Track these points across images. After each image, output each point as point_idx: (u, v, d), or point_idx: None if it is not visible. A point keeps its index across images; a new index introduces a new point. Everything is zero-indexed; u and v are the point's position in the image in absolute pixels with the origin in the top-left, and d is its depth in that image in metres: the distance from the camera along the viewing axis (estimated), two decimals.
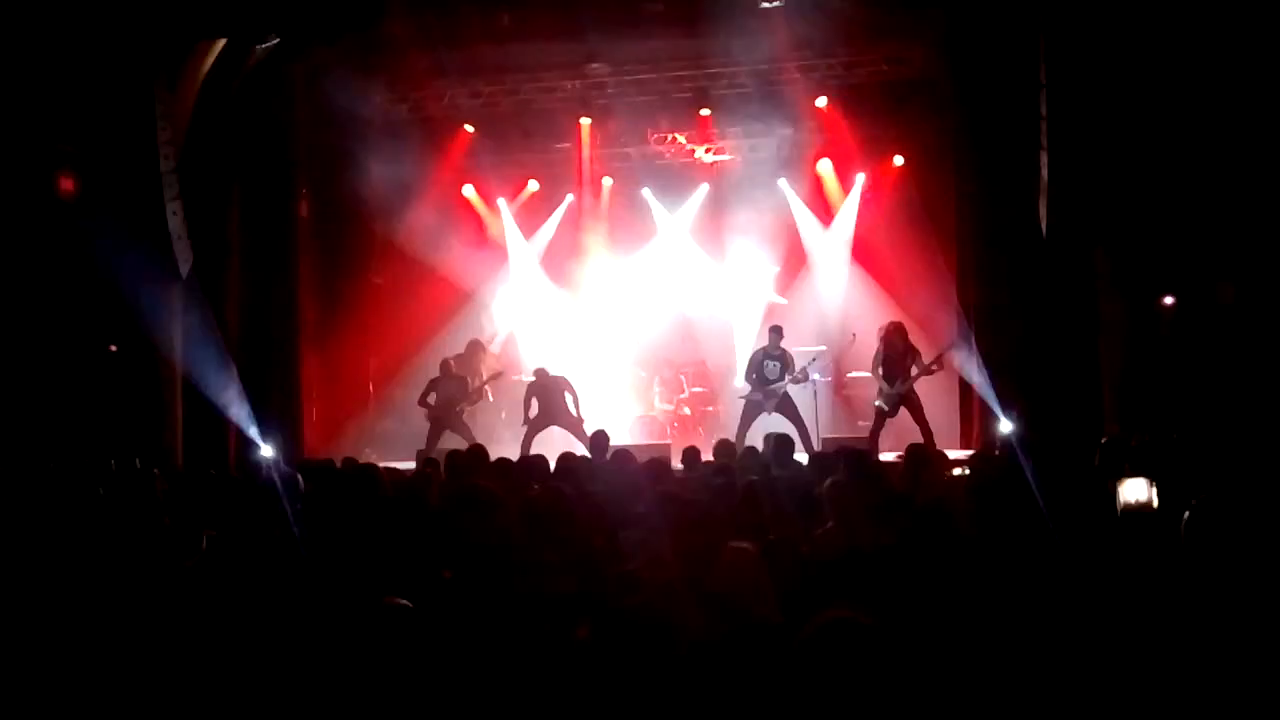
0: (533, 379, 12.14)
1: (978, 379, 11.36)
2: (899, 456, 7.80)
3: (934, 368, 11.00)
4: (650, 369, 14.20)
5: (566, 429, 11.72)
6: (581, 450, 9.30)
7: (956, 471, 7.22)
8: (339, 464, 7.77)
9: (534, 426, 11.73)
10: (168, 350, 11.08)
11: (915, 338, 11.27)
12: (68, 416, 9.95)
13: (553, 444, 10.70)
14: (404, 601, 3.22)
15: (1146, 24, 9.52)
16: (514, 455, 8.32)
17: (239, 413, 11.63)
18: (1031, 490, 4.92)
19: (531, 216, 15.42)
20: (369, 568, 4.38)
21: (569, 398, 11.91)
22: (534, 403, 11.86)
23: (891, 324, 11.21)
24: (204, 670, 3.56)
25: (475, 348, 13.20)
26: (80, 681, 3.50)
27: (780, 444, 7.48)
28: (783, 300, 14.92)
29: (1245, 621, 2.98)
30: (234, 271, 11.88)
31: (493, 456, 7.40)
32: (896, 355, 10.96)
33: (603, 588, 3.90)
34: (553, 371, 12.11)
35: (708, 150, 14.98)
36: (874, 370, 11.19)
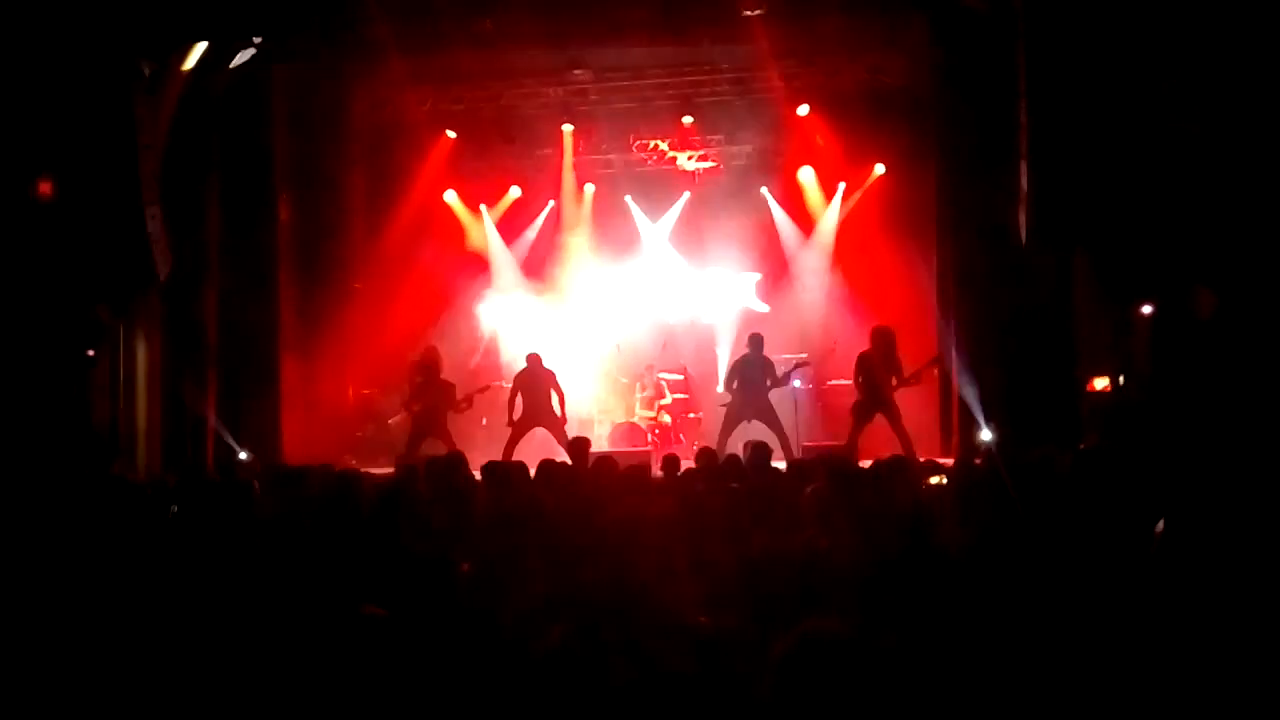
0: (523, 367, 12.05)
1: (958, 387, 11.41)
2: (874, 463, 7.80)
3: (912, 381, 10.97)
4: (631, 376, 14.20)
5: (549, 430, 11.68)
6: (561, 455, 9.27)
7: (935, 480, 7.22)
8: (317, 470, 7.73)
9: (518, 429, 11.67)
10: (147, 356, 11.02)
11: (900, 347, 11.25)
12: (45, 422, 9.87)
13: (532, 449, 10.70)
14: (378, 610, 3.20)
15: (1126, 32, 9.58)
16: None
17: (217, 418, 11.60)
18: (1011, 498, 4.93)
19: (513, 223, 15.41)
20: (346, 572, 4.36)
21: (554, 395, 11.87)
22: (519, 401, 11.79)
23: (877, 329, 11.15)
24: (183, 674, 3.53)
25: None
26: (56, 690, 3.47)
27: (759, 452, 7.48)
28: (764, 308, 14.96)
29: (1227, 629, 2.99)
30: (213, 275, 11.82)
31: (473, 464, 7.39)
32: (877, 362, 10.94)
33: (579, 595, 3.89)
34: (544, 363, 12.04)
35: (690, 157, 14.99)
36: (854, 377, 11.18)
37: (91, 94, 10.18)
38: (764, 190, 14.82)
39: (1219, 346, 9.39)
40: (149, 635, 3.75)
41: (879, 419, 10.87)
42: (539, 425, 11.76)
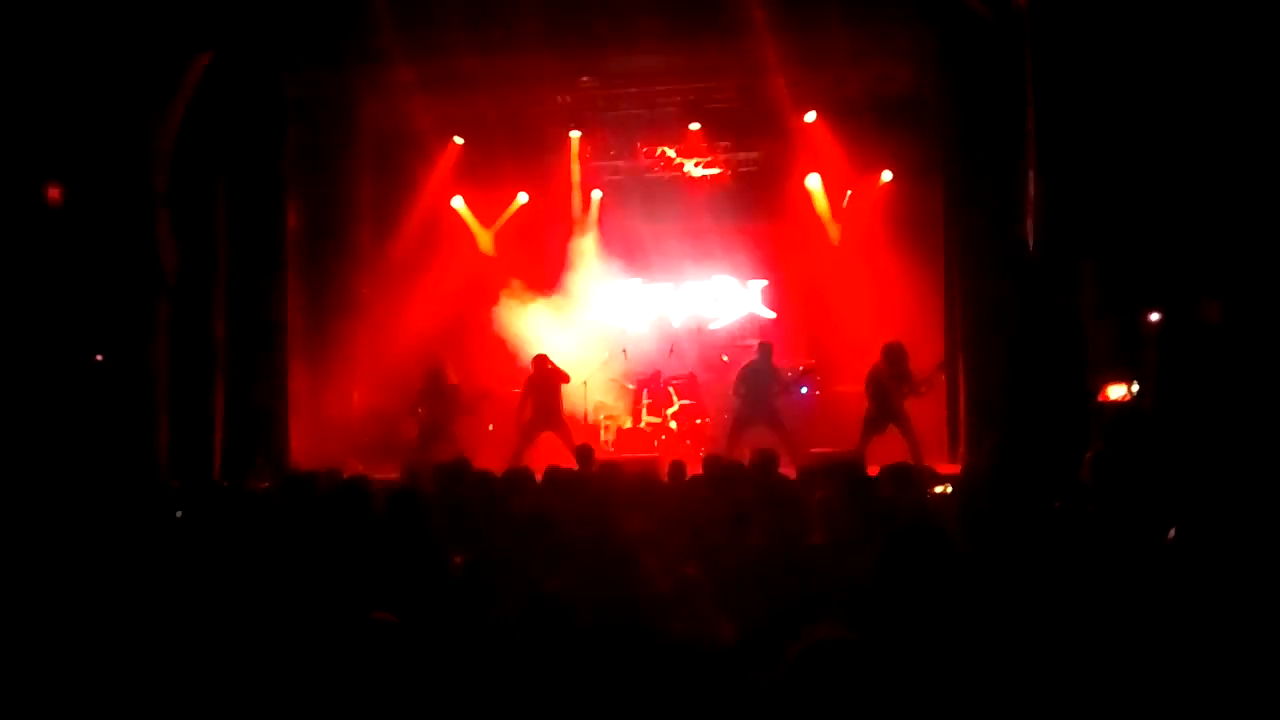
0: (530, 370, 12.08)
1: (965, 395, 11.40)
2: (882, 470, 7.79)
3: (923, 389, 11.00)
4: (638, 382, 14.20)
5: (558, 435, 11.69)
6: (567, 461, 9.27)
7: (940, 489, 7.22)
8: (324, 476, 7.74)
9: (527, 433, 11.67)
10: (154, 360, 11.05)
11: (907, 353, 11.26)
12: (54, 426, 9.89)
13: (537, 455, 10.71)
14: (389, 617, 3.21)
15: (1134, 39, 9.58)
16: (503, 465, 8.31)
17: (225, 423, 11.62)
18: (1018, 507, 4.92)
19: (521, 229, 15.42)
20: (356, 577, 4.37)
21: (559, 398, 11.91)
22: (529, 403, 11.80)
23: (888, 345, 11.18)
24: (192, 679, 3.54)
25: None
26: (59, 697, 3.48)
27: (766, 458, 7.49)
28: (771, 314, 14.96)
29: (1234, 638, 2.99)
30: (221, 280, 11.85)
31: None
32: (887, 374, 10.97)
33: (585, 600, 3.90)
34: (550, 365, 12.05)
35: (697, 164, 15.01)
36: (865, 389, 11.21)
37: (102, 100, 10.22)
38: (770, 197, 14.79)
39: (1227, 355, 9.38)
40: (157, 639, 3.77)
41: (890, 429, 10.91)
42: (547, 430, 11.76)
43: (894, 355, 10.99)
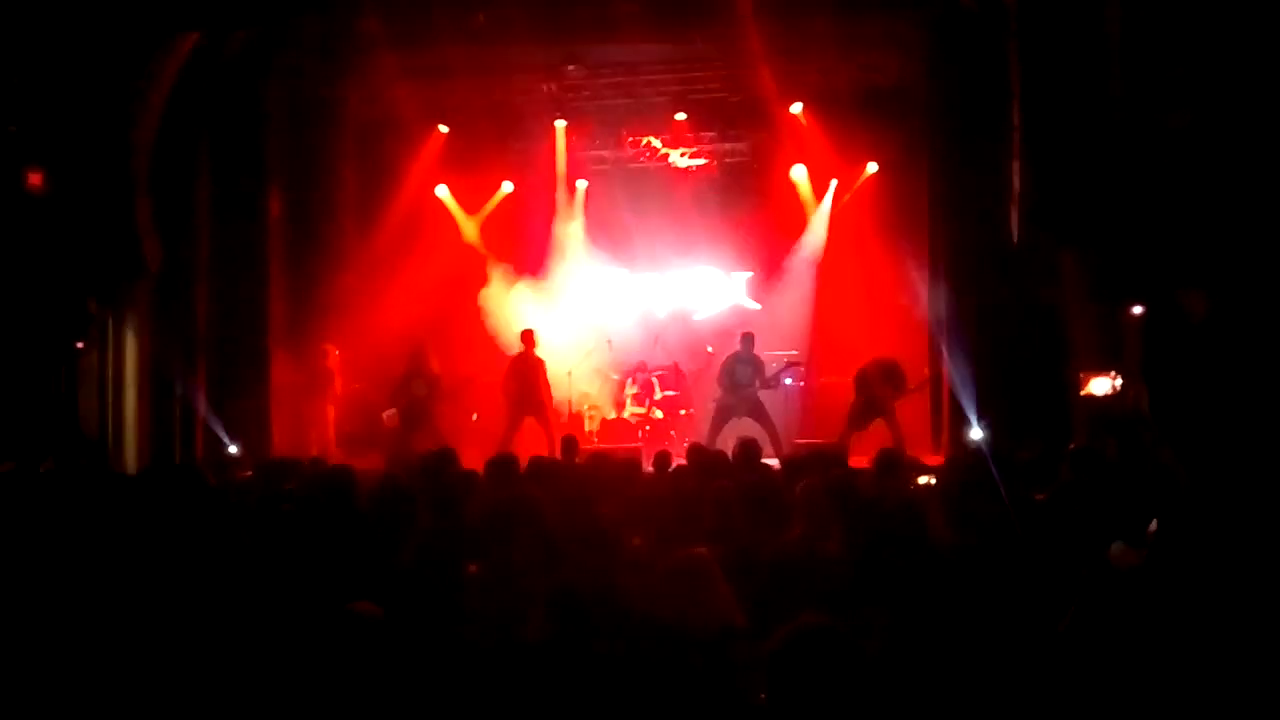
0: (518, 350, 12.09)
1: (948, 386, 11.46)
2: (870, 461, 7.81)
3: (911, 392, 11.19)
4: (623, 372, 14.19)
5: (540, 422, 11.69)
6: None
7: (923, 479, 7.23)
8: (307, 464, 7.71)
9: (513, 418, 11.67)
10: (136, 348, 10.99)
11: (891, 345, 11.33)
12: (33, 413, 9.83)
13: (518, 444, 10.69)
14: (371, 608, 3.19)
15: (1118, 31, 9.60)
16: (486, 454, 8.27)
17: (207, 411, 11.57)
18: (1000, 498, 4.93)
19: (505, 218, 15.38)
20: (338, 568, 4.34)
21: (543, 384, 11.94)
22: (512, 386, 11.81)
23: (888, 363, 11.29)
24: (171, 672, 3.51)
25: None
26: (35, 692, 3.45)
27: (748, 448, 7.48)
28: (755, 305, 14.97)
29: (1216, 631, 3.00)
30: (203, 268, 11.79)
31: (463, 459, 7.38)
32: (876, 377, 11.11)
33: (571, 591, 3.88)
34: (535, 347, 12.07)
35: (683, 154, 14.99)
36: (855, 385, 11.34)
37: (83, 85, 10.14)
38: (755, 187, 14.79)
39: (1211, 348, 9.40)
40: (134, 631, 3.74)
41: (876, 422, 11.00)
42: (530, 415, 11.75)
43: (889, 372, 11.14)
